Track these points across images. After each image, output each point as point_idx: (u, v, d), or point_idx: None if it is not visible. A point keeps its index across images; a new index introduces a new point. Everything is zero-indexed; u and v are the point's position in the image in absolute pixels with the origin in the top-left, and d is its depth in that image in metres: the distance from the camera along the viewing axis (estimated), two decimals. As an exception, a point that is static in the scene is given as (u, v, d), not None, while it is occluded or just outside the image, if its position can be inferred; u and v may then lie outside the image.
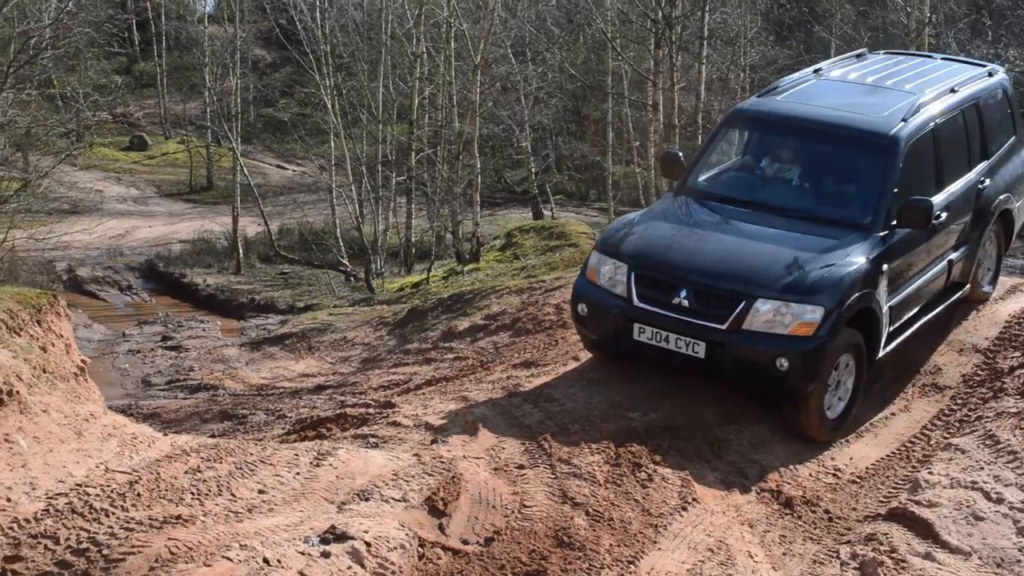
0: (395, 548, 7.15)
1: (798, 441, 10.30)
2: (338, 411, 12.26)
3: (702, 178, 11.68)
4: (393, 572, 6.94)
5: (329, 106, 32.28)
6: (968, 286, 12.54)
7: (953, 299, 12.22)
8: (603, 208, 37.56)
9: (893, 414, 11.59)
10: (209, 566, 6.26)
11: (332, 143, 34.30)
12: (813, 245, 10.27)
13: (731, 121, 12.28)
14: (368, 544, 7.00)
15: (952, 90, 12.07)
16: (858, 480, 10.09)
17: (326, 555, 6.71)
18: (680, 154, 11.78)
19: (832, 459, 10.36)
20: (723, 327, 9.76)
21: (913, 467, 10.24)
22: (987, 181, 12.42)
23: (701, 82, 28.56)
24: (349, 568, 6.69)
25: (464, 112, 32.44)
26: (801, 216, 10.72)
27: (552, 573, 7.43)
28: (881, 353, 10.73)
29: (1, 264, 26.14)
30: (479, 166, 31.46)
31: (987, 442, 10.24)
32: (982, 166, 12.45)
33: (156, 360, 22.69)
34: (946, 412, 11.46)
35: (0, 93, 22.91)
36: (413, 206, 33.67)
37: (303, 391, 17.23)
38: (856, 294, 9.99)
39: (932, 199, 10.86)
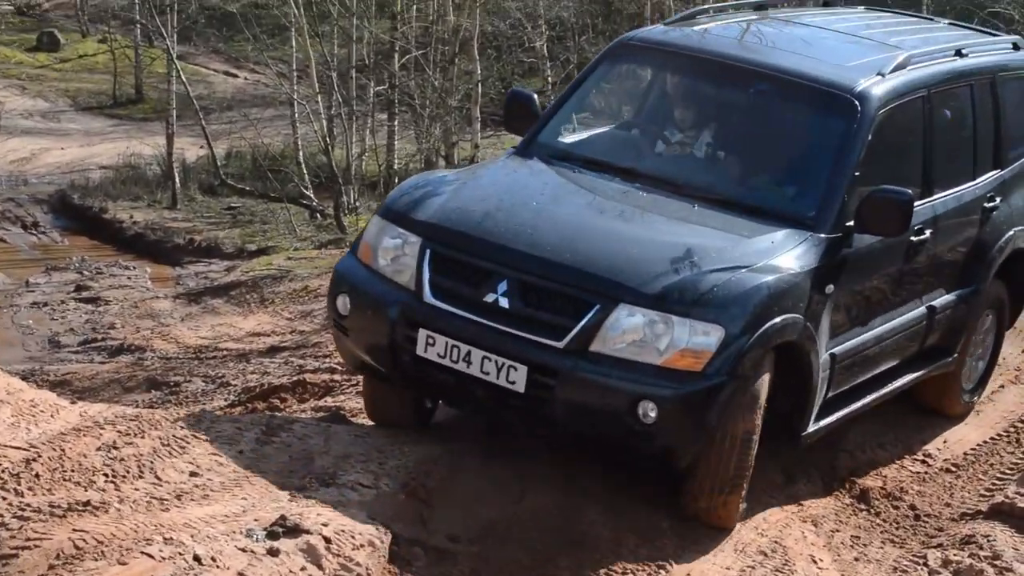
0: (362, 545, 7.19)
1: (875, 416, 10.29)
2: (295, 378, 12.33)
3: (563, 135, 9.73)
4: (359, 575, 6.97)
5: (290, -4, 32.25)
6: (953, 360, 10.29)
7: (925, 372, 10.07)
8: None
9: (1001, 386, 11.67)
10: (124, 564, 6.28)
11: (294, 43, 34.25)
12: (720, 239, 8.28)
13: (615, 54, 10.19)
14: (327, 540, 7.02)
15: (959, 53, 10.16)
16: (954, 469, 10.14)
17: (273, 552, 6.72)
18: (535, 97, 9.81)
19: (922, 442, 10.41)
20: (559, 344, 7.71)
21: (1024, 452, 10.29)
22: (998, 200, 10.40)
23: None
24: (303, 569, 6.72)
25: (462, 4, 32.35)
26: (709, 198, 8.74)
27: (560, 579, 7.49)
28: (811, 428, 8.65)
29: None
30: (480, 73, 31.37)
31: (1120, 421, 10.30)
32: (992, 176, 10.47)
33: (68, 315, 22.78)
34: (1071, 383, 11.51)
35: None
36: (396, 124, 33.65)
37: (252, 353, 17.33)
38: (778, 318, 7.93)
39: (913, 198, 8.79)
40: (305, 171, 32.99)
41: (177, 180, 34.27)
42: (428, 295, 8.08)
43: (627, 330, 7.70)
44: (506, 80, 40.52)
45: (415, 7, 33.96)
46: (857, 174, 8.76)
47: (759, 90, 9.43)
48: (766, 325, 7.85)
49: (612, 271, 7.85)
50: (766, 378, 7.98)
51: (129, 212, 32.52)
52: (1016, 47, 11.21)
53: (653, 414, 7.58)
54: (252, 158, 36.13)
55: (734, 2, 11.66)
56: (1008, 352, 12.24)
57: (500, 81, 39.02)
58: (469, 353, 7.91)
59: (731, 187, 8.96)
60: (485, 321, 7.91)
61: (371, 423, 9.28)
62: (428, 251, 8.17)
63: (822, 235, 8.48)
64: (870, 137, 8.87)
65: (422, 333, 8.05)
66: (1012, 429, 10.80)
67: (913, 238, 9.26)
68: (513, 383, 7.81)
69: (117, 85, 44.80)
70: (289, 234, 30.55)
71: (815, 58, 9.63)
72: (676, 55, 9.92)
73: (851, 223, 8.58)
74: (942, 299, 9.92)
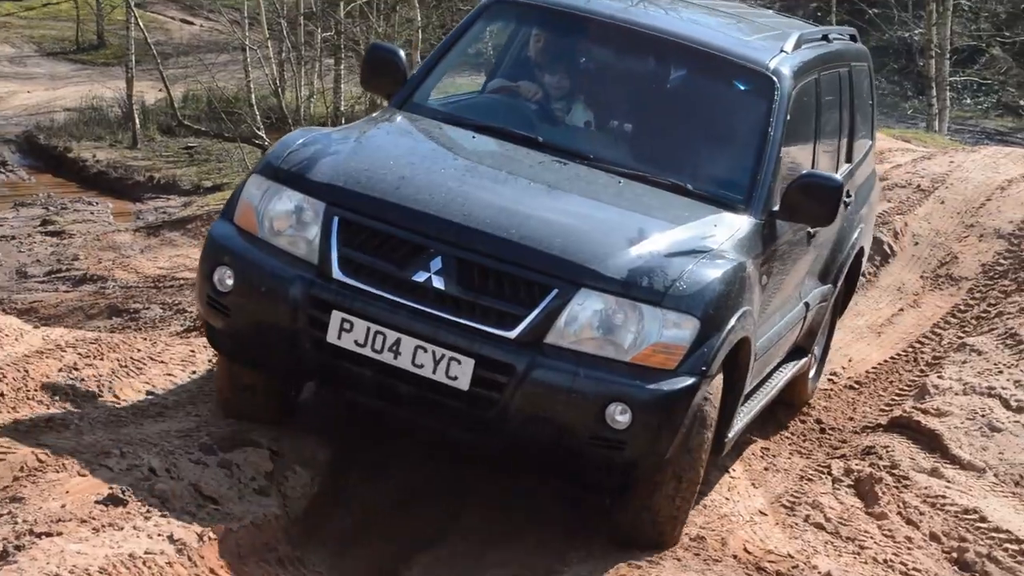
0: (307, 459, 7.22)
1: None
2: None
3: (439, 97, 8.34)
4: (305, 484, 6.98)
5: (242, -55, 31.99)
6: (807, 359, 9.37)
7: (792, 373, 9.01)
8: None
9: (900, 310, 11.77)
10: (84, 475, 6.24)
11: (247, -9, 33.98)
12: (665, 221, 7.03)
13: (493, 12, 8.59)
14: (275, 453, 7.03)
15: (825, 38, 9.08)
16: (856, 386, 10.27)
17: (225, 464, 6.70)
18: (401, 53, 8.16)
19: (828, 362, 10.47)
20: (510, 335, 6.29)
21: (921, 371, 10.43)
22: (851, 196, 9.38)
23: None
24: (252, 479, 6.70)
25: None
26: (628, 174, 7.42)
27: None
28: (732, 432, 7.45)
29: None
30: (420, 19, 31.20)
31: (1007, 342, 10.42)
32: (844, 170, 9.34)
33: (34, 248, 22.53)
34: (962, 308, 11.66)
35: None
36: (343, 68, 33.43)
37: (207, 283, 17.25)
38: (740, 311, 6.75)
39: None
40: (257, 113, 32.71)
41: (137, 121, 33.95)
42: (337, 271, 6.48)
43: (590, 320, 6.33)
44: (445, 27, 40.35)
45: (360, -42, 33.72)
46: (779, 156, 7.65)
47: (667, 60, 8.21)
48: (734, 318, 6.64)
49: (569, 251, 6.45)
50: (720, 379, 6.73)
51: (92, 151, 32.20)
52: (853, 38, 10.13)
53: (624, 418, 6.23)
54: (208, 101, 35.76)
55: None
56: (907, 279, 12.42)
57: (440, 28, 38.85)
58: (398, 342, 6.36)
59: (649, 164, 7.57)
60: (416, 305, 6.37)
61: None
62: (336, 220, 6.55)
63: (755, 220, 7.35)
64: (788, 116, 7.74)
65: (336, 316, 6.44)
66: (910, 349, 10.92)
67: (811, 229, 8.18)
68: (454, 379, 6.30)
69: (80, 32, 44.39)
70: (242, 172, 30.30)
71: (713, 29, 8.49)
72: (567, 16, 8.37)
73: (775, 209, 7.50)
74: (811, 295, 8.90)
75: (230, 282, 6.67)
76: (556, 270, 6.35)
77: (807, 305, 8.78)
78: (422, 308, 6.34)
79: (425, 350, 6.31)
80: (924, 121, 30.60)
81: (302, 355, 6.56)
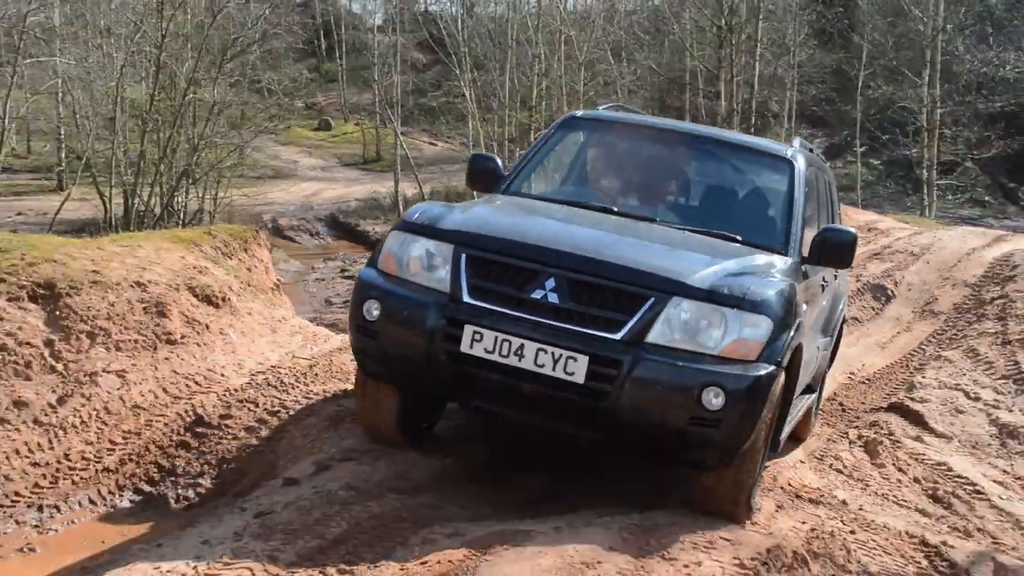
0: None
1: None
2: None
3: (528, 188, 7.16)
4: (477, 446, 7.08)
5: (468, 95, 32.49)
6: (814, 396, 7.94)
7: (806, 404, 7.46)
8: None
9: (898, 332, 11.56)
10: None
11: (470, 124, 34.56)
12: (727, 253, 5.92)
13: (568, 125, 7.42)
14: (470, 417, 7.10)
15: (811, 150, 7.66)
16: (867, 381, 10.10)
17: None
18: (496, 159, 7.05)
19: (848, 366, 10.36)
20: (617, 336, 5.27)
21: (910, 373, 10.21)
22: (837, 275, 7.91)
23: (755, 76, 28.24)
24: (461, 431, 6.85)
25: (572, 100, 32.38)
26: (688, 230, 6.32)
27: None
28: (784, 431, 6.36)
29: (222, 216, 26.80)
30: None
31: (969, 354, 10.18)
32: None
33: (335, 286, 23.17)
34: (939, 332, 11.37)
35: (216, 80, 23.61)
36: (532, 175, 33.78)
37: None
38: (797, 320, 5.73)
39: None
40: (477, 202, 33.21)
41: (401, 207, 34.66)
42: (467, 296, 5.45)
43: (684, 320, 5.29)
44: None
45: (544, 102, 34.05)
46: (804, 215, 6.63)
47: (712, 151, 7.21)
48: (794, 324, 5.62)
49: (661, 269, 5.43)
50: (783, 375, 5.59)
51: (372, 226, 32.89)
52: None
53: (719, 400, 5.18)
54: (445, 194, 36.43)
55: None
56: (902, 313, 12.17)
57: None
58: (522, 347, 5.31)
59: (705, 223, 6.44)
60: (535, 317, 5.34)
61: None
62: (464, 256, 5.52)
63: (794, 260, 6.29)
64: (805, 188, 6.76)
65: (468, 329, 5.37)
66: (905, 358, 10.72)
67: (823, 282, 7.12)
68: (571, 374, 5.24)
69: (365, 151, 45.48)
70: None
71: (739, 136, 7.62)
72: (629, 126, 7.31)
73: (805, 255, 6.42)
74: (819, 341, 7.49)
75: (376, 312, 5.61)
76: (652, 283, 5.32)
77: (818, 347, 7.42)
78: (540, 319, 5.32)
79: (545, 351, 5.26)
80: (919, 210, 29.96)
81: (439, 366, 5.42)
